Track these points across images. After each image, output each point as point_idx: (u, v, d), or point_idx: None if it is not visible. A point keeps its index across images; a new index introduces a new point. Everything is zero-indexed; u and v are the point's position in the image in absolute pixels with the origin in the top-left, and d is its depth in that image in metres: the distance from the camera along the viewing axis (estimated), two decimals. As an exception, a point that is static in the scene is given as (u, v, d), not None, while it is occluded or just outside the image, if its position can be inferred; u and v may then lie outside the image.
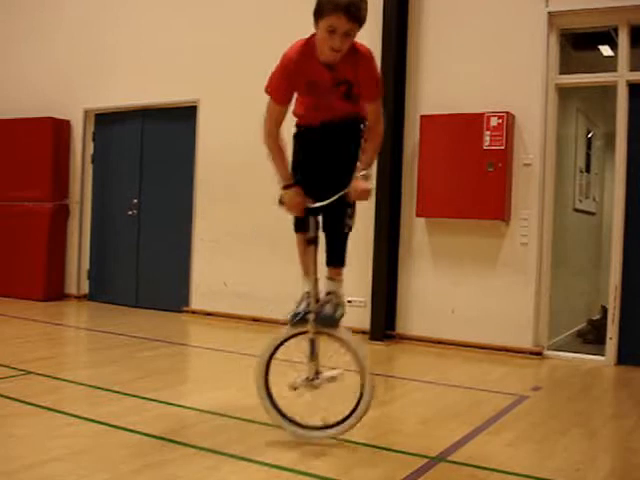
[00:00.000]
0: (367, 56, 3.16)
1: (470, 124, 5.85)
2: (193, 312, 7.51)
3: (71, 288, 8.45)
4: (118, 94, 8.06)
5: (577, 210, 7.31)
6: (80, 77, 8.34)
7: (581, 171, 7.42)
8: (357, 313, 6.53)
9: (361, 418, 3.25)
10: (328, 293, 3.37)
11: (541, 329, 5.88)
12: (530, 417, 4.03)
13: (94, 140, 8.46)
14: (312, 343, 3.32)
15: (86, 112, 8.38)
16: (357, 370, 3.25)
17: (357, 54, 3.10)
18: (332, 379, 3.32)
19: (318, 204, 3.16)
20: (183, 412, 3.81)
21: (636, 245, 5.61)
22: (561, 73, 5.90)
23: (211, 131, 7.47)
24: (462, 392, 4.54)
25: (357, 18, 2.91)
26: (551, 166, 5.92)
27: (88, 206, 8.47)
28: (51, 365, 4.83)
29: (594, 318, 7.06)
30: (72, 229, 8.46)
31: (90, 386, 4.27)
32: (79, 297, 8.41)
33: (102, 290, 8.34)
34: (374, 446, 3.29)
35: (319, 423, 3.30)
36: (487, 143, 5.84)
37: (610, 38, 5.98)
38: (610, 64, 5.87)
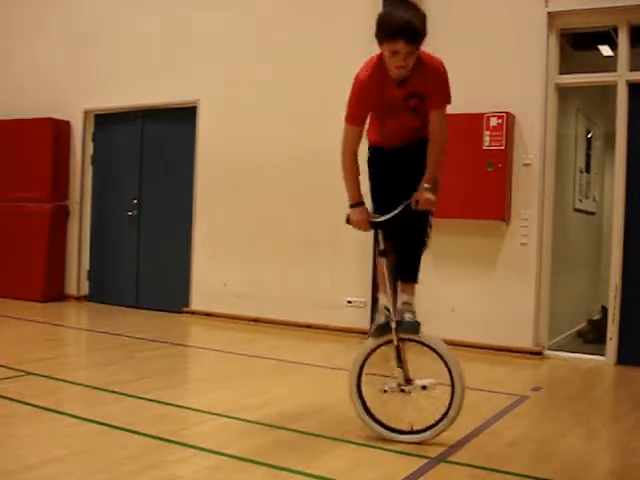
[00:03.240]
0: (435, 68, 3.21)
1: (470, 124, 5.85)
2: (193, 313, 7.51)
3: (71, 289, 8.45)
4: (118, 95, 8.06)
5: (577, 210, 7.31)
6: (80, 78, 8.34)
7: (581, 171, 7.42)
8: (357, 313, 6.54)
9: (453, 421, 3.28)
10: (404, 303, 3.41)
11: (541, 329, 5.87)
12: (530, 417, 4.03)
13: (94, 141, 8.46)
14: (397, 350, 3.35)
15: (86, 113, 8.38)
16: (446, 372, 3.28)
17: (425, 66, 3.17)
18: (425, 387, 3.34)
19: (381, 218, 3.30)
20: (183, 412, 3.81)
21: (636, 245, 5.61)
22: (561, 73, 5.90)
23: (211, 131, 7.47)
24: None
25: (415, 40, 3.00)
26: (551, 166, 5.92)
27: (88, 207, 8.47)
28: (51, 366, 4.83)
29: (594, 318, 7.07)
30: (72, 230, 8.46)
31: (90, 387, 4.26)
32: (79, 298, 8.40)
33: (102, 291, 8.34)
34: (374, 446, 3.28)
35: (411, 428, 3.35)
36: (487, 143, 5.84)
37: (610, 38, 5.98)
38: (610, 64, 5.87)
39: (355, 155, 3.33)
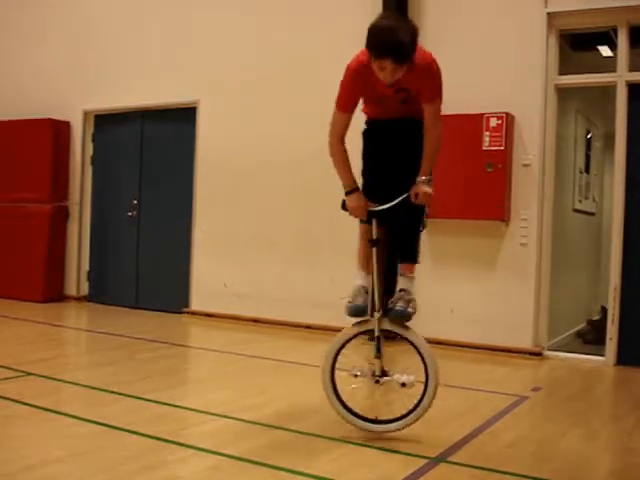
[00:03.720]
0: (426, 65, 3.21)
1: (469, 125, 5.85)
2: (193, 313, 7.51)
3: (71, 289, 8.45)
4: (118, 95, 8.06)
5: (576, 210, 7.31)
6: (79, 78, 8.34)
7: (580, 172, 7.42)
8: (357, 314, 6.53)
9: (422, 414, 3.31)
10: (401, 290, 3.42)
11: (541, 329, 5.88)
12: (530, 418, 4.03)
13: (94, 141, 8.47)
14: (378, 340, 3.37)
15: (85, 113, 8.38)
16: (422, 366, 3.31)
17: (415, 64, 3.15)
18: (404, 385, 3.35)
19: (379, 207, 3.29)
20: (182, 413, 3.81)
21: (635, 245, 5.61)
22: (560, 74, 5.90)
23: (211, 132, 7.47)
24: (462, 392, 4.54)
25: (402, 60, 3.01)
26: (550, 167, 5.92)
27: (88, 207, 8.47)
28: (51, 366, 4.83)
29: (594, 318, 7.07)
30: (72, 230, 8.46)
31: (90, 387, 4.27)
32: (79, 298, 8.40)
33: (102, 291, 8.34)
34: (373, 447, 3.29)
35: (384, 417, 3.38)
36: (486, 144, 5.84)
37: (609, 38, 5.98)
38: (609, 64, 5.87)
39: (342, 141, 3.35)
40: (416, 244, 3.47)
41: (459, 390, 4.59)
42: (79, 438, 3.25)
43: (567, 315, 6.86)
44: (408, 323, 3.38)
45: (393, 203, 3.27)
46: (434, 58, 3.25)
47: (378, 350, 3.37)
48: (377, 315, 3.35)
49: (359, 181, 3.47)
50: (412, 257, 3.47)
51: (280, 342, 6.27)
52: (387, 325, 3.36)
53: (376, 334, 3.37)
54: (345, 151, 3.35)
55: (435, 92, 3.29)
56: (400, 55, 2.98)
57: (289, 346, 6.08)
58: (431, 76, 3.24)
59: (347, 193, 3.35)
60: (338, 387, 3.47)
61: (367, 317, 3.42)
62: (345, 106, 3.29)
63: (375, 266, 3.37)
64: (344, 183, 3.37)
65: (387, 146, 3.46)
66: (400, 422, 3.36)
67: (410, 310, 3.33)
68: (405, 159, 3.38)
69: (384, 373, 3.40)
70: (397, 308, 3.33)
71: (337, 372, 3.48)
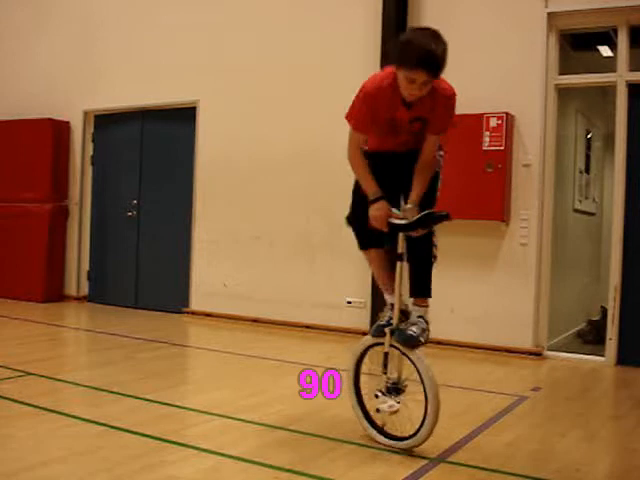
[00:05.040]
0: (447, 97, 3.15)
1: (469, 125, 5.85)
2: (193, 313, 7.51)
3: (71, 289, 8.45)
4: (117, 95, 8.06)
5: (576, 211, 7.31)
6: (79, 78, 8.34)
7: (580, 172, 7.42)
8: (357, 313, 6.54)
9: (422, 440, 3.17)
10: (419, 317, 3.34)
11: (541, 329, 5.88)
12: (530, 418, 4.03)
13: (93, 141, 8.47)
14: (385, 357, 3.29)
15: (85, 113, 8.39)
16: (423, 390, 3.17)
17: (436, 93, 3.10)
18: (378, 410, 3.27)
19: (404, 221, 3.14)
20: (182, 413, 3.81)
21: (636, 246, 5.61)
22: (560, 74, 5.90)
23: (211, 132, 7.47)
24: (462, 392, 4.54)
25: (435, 72, 2.94)
26: (550, 167, 5.92)
27: (87, 207, 8.47)
28: (51, 366, 4.83)
29: (594, 319, 7.07)
30: (72, 230, 8.46)
31: (90, 387, 4.26)
32: (79, 298, 8.40)
33: (102, 291, 8.34)
34: (374, 447, 3.28)
35: (403, 434, 3.26)
36: (487, 144, 5.84)
37: (609, 38, 5.98)
38: (609, 65, 5.87)
39: (362, 154, 3.26)
40: (429, 277, 3.42)
41: (459, 390, 4.59)
42: (79, 438, 3.25)
43: (567, 315, 6.86)
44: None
45: (417, 217, 3.11)
46: (455, 92, 3.18)
47: (384, 366, 3.28)
48: (388, 330, 3.28)
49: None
50: (427, 291, 3.41)
51: (280, 342, 6.27)
52: (398, 343, 3.26)
53: (385, 349, 3.29)
54: (365, 159, 3.24)
55: (447, 126, 3.24)
56: (434, 68, 2.92)
57: (289, 346, 6.08)
58: (449, 109, 3.19)
59: (372, 201, 3.17)
60: (365, 402, 3.42)
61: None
62: (360, 127, 3.19)
63: (397, 281, 3.28)
64: (369, 191, 3.19)
65: (391, 181, 3.28)
66: (404, 442, 3.24)
67: (421, 339, 3.25)
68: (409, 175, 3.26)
69: (390, 390, 3.26)
70: (409, 332, 3.25)
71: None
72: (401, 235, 3.20)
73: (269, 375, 4.89)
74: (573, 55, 6.51)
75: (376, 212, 3.15)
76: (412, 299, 3.37)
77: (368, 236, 3.34)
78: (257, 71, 7.13)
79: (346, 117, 3.22)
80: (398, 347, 3.25)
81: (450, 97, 3.16)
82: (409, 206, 3.18)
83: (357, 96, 3.14)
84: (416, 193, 3.21)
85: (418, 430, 3.15)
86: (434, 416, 3.11)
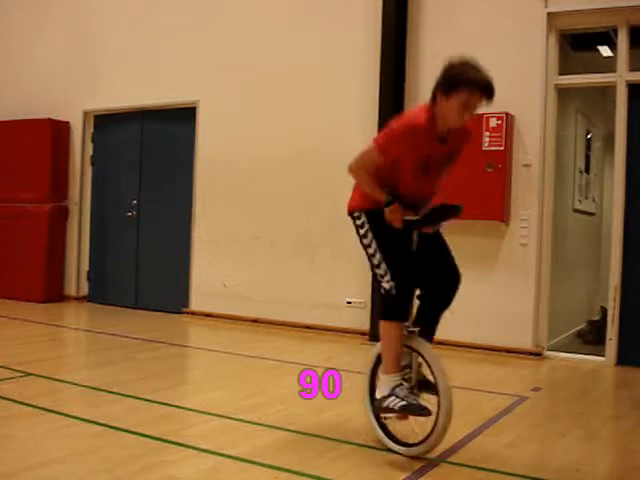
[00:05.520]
0: (469, 132, 3.28)
1: (469, 125, 5.83)
2: (193, 313, 7.51)
3: (70, 289, 8.45)
4: (117, 95, 8.06)
5: (576, 211, 7.31)
6: (79, 78, 8.34)
7: (580, 172, 7.42)
8: (357, 314, 6.54)
9: (440, 441, 3.11)
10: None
11: (541, 329, 5.87)
12: (530, 418, 4.03)
13: (93, 141, 8.46)
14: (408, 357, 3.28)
15: (85, 113, 8.38)
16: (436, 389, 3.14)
17: (465, 128, 3.20)
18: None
19: (415, 217, 3.15)
20: (182, 413, 3.81)
21: (635, 246, 5.61)
22: (560, 74, 5.90)
23: (210, 132, 7.47)
24: (462, 393, 4.53)
25: (492, 98, 2.99)
26: (550, 167, 5.92)
27: (87, 207, 8.47)
28: (50, 366, 4.82)
29: (594, 319, 7.07)
30: (71, 230, 8.46)
31: (89, 387, 4.26)
32: (78, 298, 8.40)
33: (101, 291, 8.33)
34: (374, 447, 3.28)
35: (413, 441, 3.20)
36: (486, 144, 5.84)
37: (609, 39, 5.98)
38: (609, 65, 5.87)
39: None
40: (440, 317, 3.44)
41: (459, 390, 4.57)
42: (79, 438, 3.25)
43: (567, 315, 6.86)
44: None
45: (429, 210, 3.16)
46: None
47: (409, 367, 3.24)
48: (407, 331, 3.22)
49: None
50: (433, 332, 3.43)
51: (279, 342, 6.27)
52: (412, 342, 3.22)
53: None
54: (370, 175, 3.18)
55: (459, 159, 3.34)
56: (492, 91, 2.97)
57: (288, 346, 6.08)
58: (468, 143, 3.31)
59: (386, 205, 3.13)
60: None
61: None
62: (386, 153, 3.07)
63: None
64: (381, 197, 3.13)
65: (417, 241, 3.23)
66: (414, 449, 3.16)
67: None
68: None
69: (421, 386, 3.23)
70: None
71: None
72: (415, 233, 3.20)
73: (269, 375, 4.89)
74: (573, 55, 6.51)
75: (391, 214, 3.13)
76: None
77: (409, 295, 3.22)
78: (257, 71, 7.13)
79: (376, 140, 3.12)
80: (412, 347, 3.22)
81: (470, 132, 3.30)
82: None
83: (395, 126, 3.06)
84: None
85: (430, 434, 3.08)
86: (447, 419, 3.04)
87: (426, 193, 3.30)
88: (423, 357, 3.20)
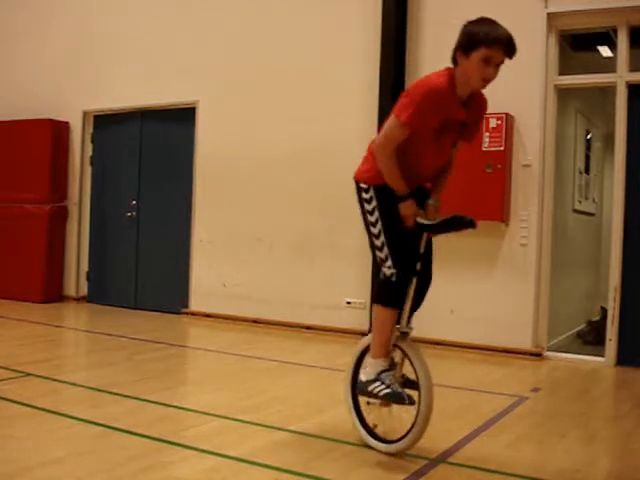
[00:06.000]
0: (486, 102, 3.22)
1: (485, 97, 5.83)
2: (192, 314, 7.50)
3: (70, 290, 8.44)
4: (117, 95, 8.06)
5: (576, 211, 7.31)
6: (79, 78, 8.34)
7: (580, 172, 7.42)
8: (357, 314, 6.54)
9: (420, 437, 3.10)
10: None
11: (541, 330, 5.87)
12: (530, 418, 4.03)
13: (93, 142, 8.46)
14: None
15: (85, 113, 8.38)
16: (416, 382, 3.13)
17: (480, 96, 3.15)
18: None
19: (430, 222, 3.11)
20: (182, 414, 3.80)
21: (635, 246, 5.61)
22: (560, 74, 5.90)
23: (210, 132, 7.47)
24: (461, 393, 4.54)
25: (513, 53, 2.95)
26: (550, 167, 5.92)
27: (87, 208, 8.46)
28: (50, 367, 4.82)
29: (594, 319, 7.07)
30: (71, 231, 8.45)
31: (89, 388, 4.26)
32: (78, 299, 8.40)
33: (101, 292, 8.33)
34: (373, 447, 3.28)
35: (393, 437, 3.19)
36: (486, 144, 5.84)
37: (609, 39, 5.98)
38: (609, 65, 5.87)
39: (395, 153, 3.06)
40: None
41: (459, 391, 4.58)
42: (78, 439, 3.24)
43: (567, 316, 6.86)
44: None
45: (445, 218, 3.10)
46: None
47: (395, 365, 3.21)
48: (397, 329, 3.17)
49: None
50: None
51: (279, 343, 6.27)
52: (400, 342, 3.18)
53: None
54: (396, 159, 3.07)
55: (477, 134, 3.28)
56: (513, 46, 2.92)
57: (288, 347, 6.08)
58: (484, 115, 3.24)
59: (402, 199, 3.06)
60: (361, 406, 3.35)
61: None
62: (413, 123, 2.95)
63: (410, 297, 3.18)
64: (400, 189, 3.05)
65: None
66: (393, 445, 3.16)
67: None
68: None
69: (406, 385, 3.19)
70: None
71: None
72: (424, 236, 3.16)
73: (268, 376, 4.89)
74: (573, 55, 6.51)
75: (406, 210, 3.07)
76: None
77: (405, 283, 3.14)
78: (257, 71, 7.13)
79: (396, 112, 3.00)
80: (400, 346, 3.21)
81: (486, 102, 3.22)
82: (432, 202, 3.20)
83: (415, 93, 2.97)
84: (438, 193, 3.26)
85: (409, 431, 3.09)
86: (426, 413, 3.03)
87: (436, 166, 3.22)
88: (405, 352, 3.17)
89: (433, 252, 3.35)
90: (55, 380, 4.43)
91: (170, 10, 7.74)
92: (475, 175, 5.84)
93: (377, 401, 3.17)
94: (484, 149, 5.83)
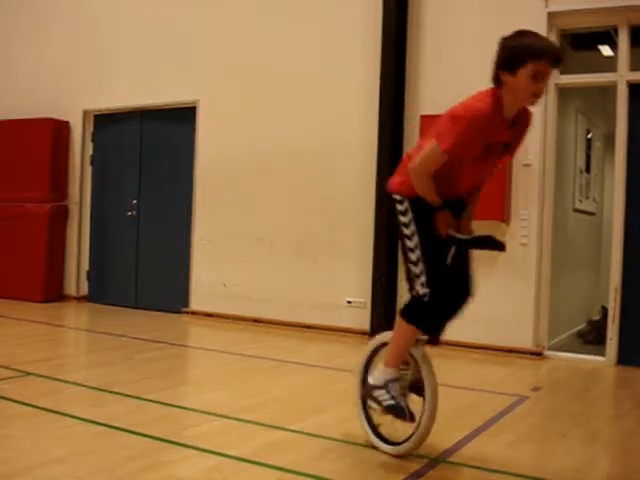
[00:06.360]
0: (531, 116, 3.08)
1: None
2: (193, 313, 7.50)
3: (70, 289, 8.44)
4: (117, 95, 8.06)
5: (577, 210, 7.31)
6: (79, 78, 8.34)
7: (581, 171, 7.41)
8: (357, 313, 6.54)
9: (425, 438, 3.10)
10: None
11: (541, 329, 5.87)
12: (530, 418, 4.03)
13: (93, 141, 8.46)
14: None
15: (85, 113, 8.38)
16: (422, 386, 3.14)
17: (526, 112, 3.02)
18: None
19: (464, 236, 3.10)
20: (183, 413, 3.80)
21: (636, 246, 5.60)
22: (561, 73, 5.89)
23: (210, 132, 7.47)
24: (462, 393, 4.54)
25: (559, 63, 2.83)
26: (551, 166, 5.91)
27: (87, 207, 8.46)
28: (50, 366, 4.82)
29: (594, 319, 7.06)
30: (71, 230, 8.45)
31: (90, 387, 4.26)
32: (78, 298, 8.40)
33: (101, 291, 8.33)
34: (374, 447, 3.28)
35: (399, 439, 3.16)
36: (487, 143, 5.83)
37: (610, 38, 5.97)
38: (610, 64, 5.86)
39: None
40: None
41: (459, 390, 4.58)
42: (79, 438, 3.24)
43: (567, 315, 6.85)
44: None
45: (478, 235, 3.12)
46: None
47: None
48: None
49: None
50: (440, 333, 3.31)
51: (280, 342, 6.27)
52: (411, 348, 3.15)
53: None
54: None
55: (521, 146, 3.15)
56: (561, 56, 2.80)
57: (289, 346, 6.08)
58: (528, 128, 3.09)
59: (437, 209, 3.00)
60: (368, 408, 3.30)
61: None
62: (453, 152, 2.85)
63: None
64: (435, 201, 2.98)
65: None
66: (396, 448, 3.15)
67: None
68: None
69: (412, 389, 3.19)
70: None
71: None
72: (453, 249, 3.10)
73: (269, 375, 4.89)
74: (573, 55, 6.50)
75: (440, 220, 3.02)
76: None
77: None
78: (257, 71, 7.13)
79: (436, 137, 2.90)
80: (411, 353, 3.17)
81: (532, 115, 3.09)
82: (466, 214, 3.21)
83: (458, 120, 2.85)
84: (473, 208, 3.26)
85: (413, 433, 3.09)
86: (431, 415, 3.05)
87: (474, 184, 3.15)
88: (414, 358, 3.17)
89: (470, 265, 3.31)
90: (56, 379, 4.43)
91: (170, 10, 7.73)
92: (476, 174, 5.82)
93: (378, 407, 3.14)
94: (485, 148, 5.82)
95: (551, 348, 5.93)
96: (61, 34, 8.49)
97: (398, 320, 3.13)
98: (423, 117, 6.15)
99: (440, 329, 3.25)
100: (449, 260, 3.09)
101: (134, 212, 8.10)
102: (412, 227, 3.06)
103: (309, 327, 6.73)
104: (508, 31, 6.33)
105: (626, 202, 5.64)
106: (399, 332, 3.11)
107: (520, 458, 3.23)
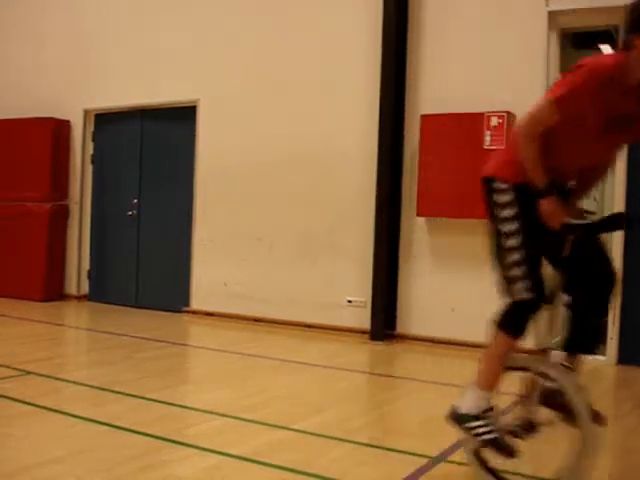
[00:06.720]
0: None
1: (470, 124, 5.84)
2: (193, 312, 7.50)
3: (71, 288, 8.44)
4: (118, 94, 8.05)
5: (577, 210, 7.29)
6: (80, 77, 8.33)
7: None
8: (358, 312, 6.54)
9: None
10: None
11: (541, 328, 5.85)
12: (531, 417, 4.02)
13: (94, 140, 8.46)
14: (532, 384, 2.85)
15: (86, 112, 8.38)
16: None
17: None
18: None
19: (582, 222, 2.56)
20: (183, 412, 3.81)
21: (636, 245, 5.60)
22: (562, 72, 5.89)
23: (211, 131, 7.46)
24: (462, 392, 4.52)
25: None
26: (551, 166, 5.90)
27: (88, 206, 8.46)
28: (51, 365, 4.82)
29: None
30: (72, 229, 8.45)
31: (90, 386, 4.26)
32: (79, 297, 8.40)
33: (102, 290, 8.33)
34: (375, 446, 3.28)
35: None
36: (487, 143, 5.83)
37: (611, 37, 5.97)
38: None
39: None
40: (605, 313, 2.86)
41: (459, 389, 4.57)
42: (79, 437, 3.24)
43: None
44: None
45: (606, 216, 2.63)
46: None
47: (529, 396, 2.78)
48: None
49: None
50: (595, 342, 2.93)
51: (280, 341, 6.27)
52: (538, 364, 2.77)
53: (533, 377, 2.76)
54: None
55: None
56: None
57: (289, 345, 6.08)
58: None
59: (543, 194, 2.49)
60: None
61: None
62: (566, 106, 2.47)
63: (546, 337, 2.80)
64: (540, 181, 2.49)
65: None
66: None
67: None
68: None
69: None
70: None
71: None
72: (571, 238, 2.57)
73: (270, 374, 4.89)
74: (574, 54, 6.50)
75: (549, 207, 2.47)
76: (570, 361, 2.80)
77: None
78: (257, 71, 7.12)
79: (552, 92, 2.60)
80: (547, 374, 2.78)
81: None
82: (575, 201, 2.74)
83: (574, 72, 2.52)
84: (582, 194, 2.82)
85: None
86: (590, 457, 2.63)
87: (587, 167, 2.68)
88: (548, 376, 2.75)
89: (604, 246, 2.75)
90: (56, 379, 4.43)
91: (171, 9, 7.72)
92: (476, 174, 5.80)
93: (473, 439, 2.73)
94: (485, 147, 5.83)
95: (551, 348, 5.92)
96: (62, 34, 8.48)
97: (495, 334, 2.76)
98: (423, 117, 6.15)
99: (588, 337, 2.95)
100: (564, 252, 2.58)
101: (134, 211, 8.10)
102: (516, 224, 2.59)
103: (309, 326, 6.73)
104: (508, 31, 6.36)
105: (626, 202, 5.63)
106: (498, 348, 2.76)
107: (520, 457, 3.22)
